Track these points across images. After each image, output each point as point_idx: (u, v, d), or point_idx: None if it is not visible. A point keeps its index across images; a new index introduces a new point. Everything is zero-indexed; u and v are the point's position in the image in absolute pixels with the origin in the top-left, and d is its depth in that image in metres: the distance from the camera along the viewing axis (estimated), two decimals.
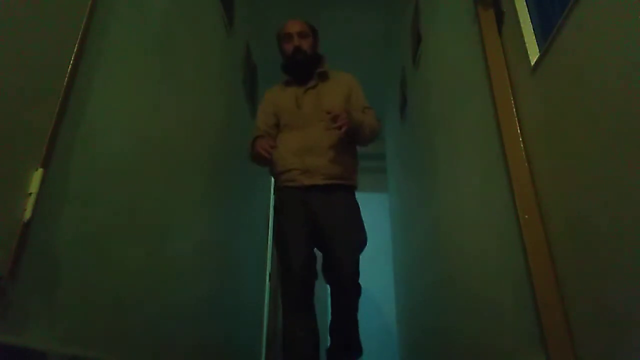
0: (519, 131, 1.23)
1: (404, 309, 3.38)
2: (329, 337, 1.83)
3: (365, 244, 1.78)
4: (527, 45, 1.22)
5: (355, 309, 1.73)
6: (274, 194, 1.88)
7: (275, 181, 1.89)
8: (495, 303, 1.36)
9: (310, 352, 1.64)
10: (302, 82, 1.90)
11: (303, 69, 1.89)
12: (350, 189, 1.82)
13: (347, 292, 1.68)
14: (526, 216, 1.13)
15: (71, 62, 0.98)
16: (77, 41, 1.00)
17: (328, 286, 1.78)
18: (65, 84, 0.95)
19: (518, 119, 1.24)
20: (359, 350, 1.78)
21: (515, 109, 1.26)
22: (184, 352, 1.65)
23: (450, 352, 1.88)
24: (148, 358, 1.34)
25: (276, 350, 3.94)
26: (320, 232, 1.72)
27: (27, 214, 0.84)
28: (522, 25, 1.25)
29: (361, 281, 1.79)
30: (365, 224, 1.89)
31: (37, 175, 0.87)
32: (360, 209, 1.87)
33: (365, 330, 4.19)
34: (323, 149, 1.76)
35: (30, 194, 0.86)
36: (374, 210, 4.13)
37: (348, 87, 1.88)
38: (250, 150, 1.87)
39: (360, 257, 1.78)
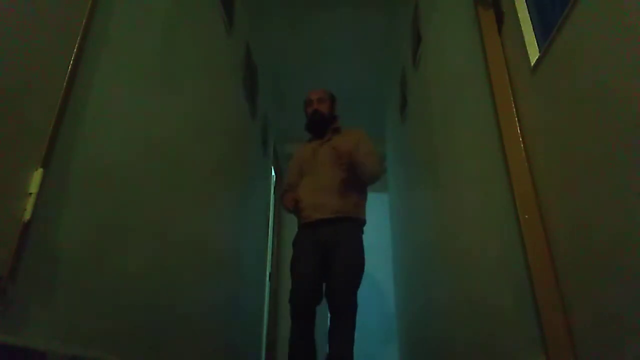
0: (519, 131, 1.23)
1: (404, 309, 3.38)
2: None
3: (362, 272, 2.04)
4: (527, 45, 1.22)
5: (349, 326, 1.95)
6: (297, 228, 2.23)
7: (297, 219, 2.22)
8: (495, 303, 1.36)
9: (310, 356, 1.96)
10: (320, 137, 2.29)
11: (319, 125, 2.29)
12: (357, 222, 2.11)
13: (341, 311, 1.96)
14: (526, 216, 1.13)
15: (71, 62, 0.98)
16: (77, 41, 1.00)
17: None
18: (65, 84, 0.95)
19: (518, 119, 1.24)
20: None
21: (515, 109, 1.26)
22: (184, 352, 1.65)
23: (450, 352, 1.88)
24: (148, 358, 1.34)
25: (276, 351, 3.93)
26: (326, 259, 2.01)
27: (27, 214, 0.84)
28: (522, 25, 1.25)
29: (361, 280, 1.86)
30: (365, 224, 2.00)
31: (37, 175, 0.87)
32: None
33: (366, 330, 4.19)
34: (331, 189, 2.09)
35: (30, 194, 0.86)
36: (374, 210, 4.13)
37: (357, 139, 2.17)
38: (281, 200, 2.29)
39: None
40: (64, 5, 0.98)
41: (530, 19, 1.25)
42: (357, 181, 2.12)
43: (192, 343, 1.74)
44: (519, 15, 1.27)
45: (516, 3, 1.30)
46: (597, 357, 0.89)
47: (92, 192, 1.07)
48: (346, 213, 2.05)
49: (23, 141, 0.85)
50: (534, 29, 1.23)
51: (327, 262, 2.00)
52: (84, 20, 1.02)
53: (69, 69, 0.97)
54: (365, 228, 2.16)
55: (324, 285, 2.03)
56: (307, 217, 2.10)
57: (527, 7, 1.27)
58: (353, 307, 1.97)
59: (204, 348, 1.92)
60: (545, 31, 1.15)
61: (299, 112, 2.56)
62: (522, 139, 1.22)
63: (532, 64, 1.17)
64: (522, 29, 1.24)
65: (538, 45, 1.19)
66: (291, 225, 4.41)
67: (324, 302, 2.04)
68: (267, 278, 3.97)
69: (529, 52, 1.20)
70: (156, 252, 1.43)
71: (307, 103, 2.35)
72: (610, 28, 0.86)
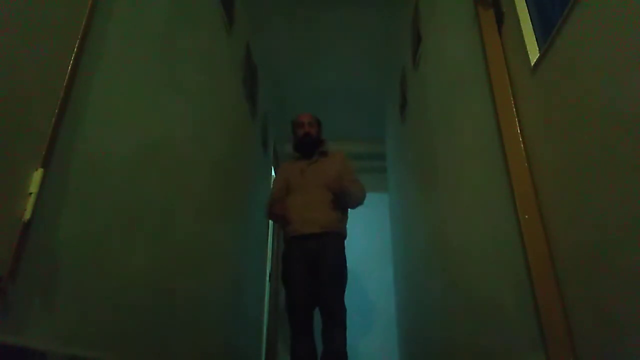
0: (519, 131, 1.23)
1: (404, 309, 3.38)
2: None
3: (346, 278, 2.25)
4: (527, 45, 1.22)
5: (341, 326, 2.12)
6: (284, 242, 2.40)
7: (284, 234, 2.39)
8: (495, 303, 1.36)
9: (312, 355, 2.15)
10: (308, 157, 2.48)
11: (309, 148, 2.49)
12: (340, 236, 2.33)
13: (334, 312, 2.13)
14: (526, 216, 1.13)
15: (71, 62, 0.98)
16: (77, 41, 1.00)
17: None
18: (65, 84, 0.95)
19: (518, 119, 1.24)
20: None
21: (515, 109, 1.26)
22: (183, 352, 1.65)
23: (450, 351, 1.88)
24: (148, 358, 1.34)
25: (276, 351, 3.94)
26: (313, 268, 2.20)
27: (27, 214, 0.84)
28: (522, 25, 1.25)
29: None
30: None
31: (37, 175, 0.87)
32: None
33: (365, 330, 4.18)
34: (318, 206, 2.30)
35: (30, 194, 0.86)
36: (374, 210, 4.13)
37: (341, 163, 2.44)
38: (268, 210, 2.46)
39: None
40: (64, 5, 0.98)
41: (530, 19, 1.25)
42: (340, 201, 2.33)
43: (192, 343, 1.74)
44: (519, 15, 1.27)
45: (516, 3, 1.30)
46: (597, 357, 0.89)
47: (92, 192, 1.07)
48: (331, 228, 2.27)
49: (23, 141, 0.86)
50: (534, 29, 1.23)
51: (315, 270, 2.20)
52: (84, 20, 1.02)
53: (69, 69, 0.97)
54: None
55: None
56: (295, 231, 2.29)
57: (527, 7, 1.26)
58: (342, 309, 2.16)
59: (204, 348, 1.92)
60: (545, 31, 1.15)
61: (299, 111, 2.57)
62: (522, 139, 1.22)
63: (532, 64, 1.17)
64: (522, 29, 1.24)
65: (538, 45, 1.19)
66: None
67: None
68: (267, 278, 3.97)
69: (529, 52, 1.20)
70: (156, 252, 1.43)
71: (297, 125, 2.52)
72: (610, 28, 0.86)
